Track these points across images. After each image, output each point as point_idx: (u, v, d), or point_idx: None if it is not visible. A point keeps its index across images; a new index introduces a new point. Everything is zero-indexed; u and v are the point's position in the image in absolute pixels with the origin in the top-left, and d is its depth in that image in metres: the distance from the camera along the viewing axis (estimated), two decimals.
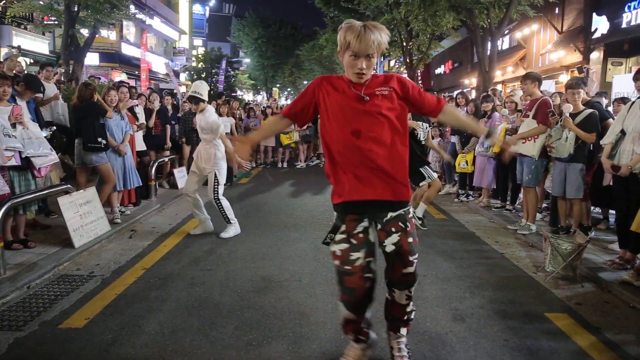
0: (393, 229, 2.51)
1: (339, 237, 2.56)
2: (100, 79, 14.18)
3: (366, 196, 2.46)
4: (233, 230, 5.58)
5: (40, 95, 6.27)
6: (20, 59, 7.47)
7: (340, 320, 2.76)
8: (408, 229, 2.53)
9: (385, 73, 2.64)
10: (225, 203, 5.55)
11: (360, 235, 2.53)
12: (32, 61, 16.90)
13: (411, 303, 2.71)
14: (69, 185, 5.10)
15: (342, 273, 2.56)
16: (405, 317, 2.74)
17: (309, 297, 3.88)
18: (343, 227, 2.54)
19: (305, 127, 12.55)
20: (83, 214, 5.03)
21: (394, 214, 2.51)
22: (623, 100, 5.72)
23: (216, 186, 5.49)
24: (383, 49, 2.38)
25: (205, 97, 5.52)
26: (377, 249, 2.62)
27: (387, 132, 2.43)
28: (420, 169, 5.67)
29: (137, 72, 24.82)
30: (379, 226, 2.55)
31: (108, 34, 24.79)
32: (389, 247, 2.53)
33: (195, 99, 5.43)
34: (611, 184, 4.91)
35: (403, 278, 2.57)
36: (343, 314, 2.69)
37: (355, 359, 2.75)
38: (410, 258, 2.54)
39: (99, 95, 5.65)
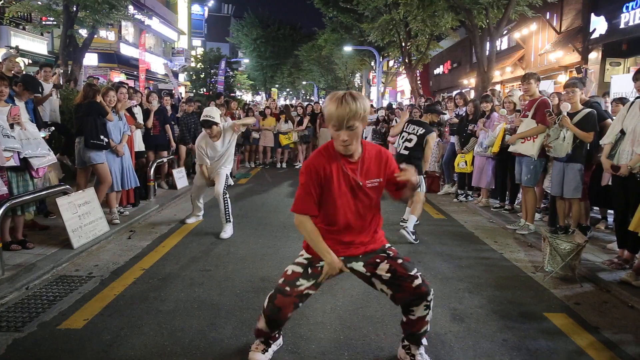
0: (377, 260, 2.65)
1: (300, 259, 2.70)
2: (99, 79, 14.14)
3: (343, 254, 2.64)
4: (230, 229, 5.65)
5: (39, 95, 6.26)
6: (18, 59, 7.43)
7: (255, 327, 2.83)
8: (391, 254, 2.66)
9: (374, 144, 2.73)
10: (228, 201, 5.71)
11: (319, 268, 2.65)
12: (30, 61, 16.86)
13: (430, 312, 2.73)
14: (67, 186, 5.09)
15: (278, 291, 2.62)
16: (424, 329, 2.76)
17: None
18: (308, 255, 2.68)
19: (304, 127, 12.57)
20: (82, 214, 5.03)
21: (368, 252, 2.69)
22: (621, 100, 5.73)
23: (227, 182, 5.74)
24: (363, 113, 2.35)
25: (219, 120, 5.56)
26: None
27: (370, 212, 2.63)
28: None
29: (136, 73, 24.78)
30: (362, 263, 2.67)
31: (107, 35, 24.74)
32: (385, 276, 2.62)
33: (208, 123, 5.42)
34: (610, 183, 4.92)
35: (416, 292, 2.60)
36: (260, 325, 2.76)
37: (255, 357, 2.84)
38: (411, 272, 2.61)
39: (102, 98, 5.65)
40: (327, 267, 2.59)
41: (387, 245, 2.74)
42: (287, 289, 2.60)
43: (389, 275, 2.61)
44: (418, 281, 2.59)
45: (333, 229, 2.60)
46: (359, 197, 2.55)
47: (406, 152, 5.76)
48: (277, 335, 2.93)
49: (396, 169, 2.58)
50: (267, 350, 2.86)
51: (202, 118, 5.52)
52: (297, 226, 2.61)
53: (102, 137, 5.50)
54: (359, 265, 2.68)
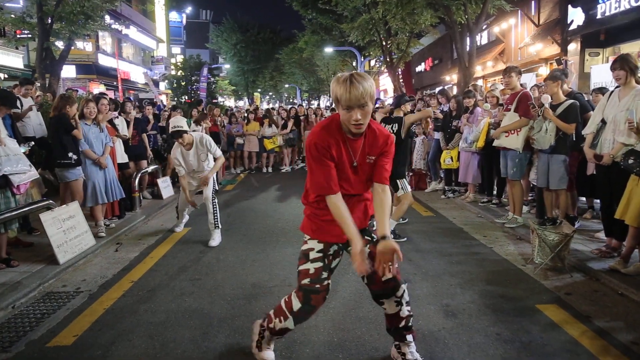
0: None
1: (313, 254, 2.63)
2: (77, 91, 13.94)
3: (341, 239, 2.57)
4: (218, 236, 5.60)
5: (18, 110, 6.15)
6: None
7: (275, 329, 2.76)
8: (374, 238, 2.59)
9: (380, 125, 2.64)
10: (217, 206, 5.71)
11: (331, 257, 2.65)
12: (6, 76, 16.57)
13: (405, 308, 2.71)
14: (50, 201, 5.00)
15: (311, 291, 2.59)
16: (403, 324, 2.75)
17: None
18: (320, 246, 2.63)
19: (289, 130, 12.53)
20: (66, 229, 4.94)
21: None
22: (601, 90, 5.80)
23: (215, 187, 5.78)
24: (374, 92, 2.36)
25: (187, 128, 5.48)
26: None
27: (365, 187, 2.63)
28: (398, 180, 5.40)
29: (115, 83, 24.58)
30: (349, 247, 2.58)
31: (84, 46, 24.49)
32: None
33: (178, 133, 5.33)
34: (594, 173, 4.97)
35: (384, 286, 2.60)
36: (285, 325, 2.71)
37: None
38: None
39: (73, 109, 5.46)
40: (354, 255, 2.48)
41: (373, 222, 2.68)
42: (318, 286, 2.57)
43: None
44: (389, 275, 2.48)
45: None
46: (358, 173, 2.54)
47: None
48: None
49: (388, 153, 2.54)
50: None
51: (170, 130, 5.45)
52: (330, 208, 2.46)
53: (70, 154, 5.33)
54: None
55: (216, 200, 5.67)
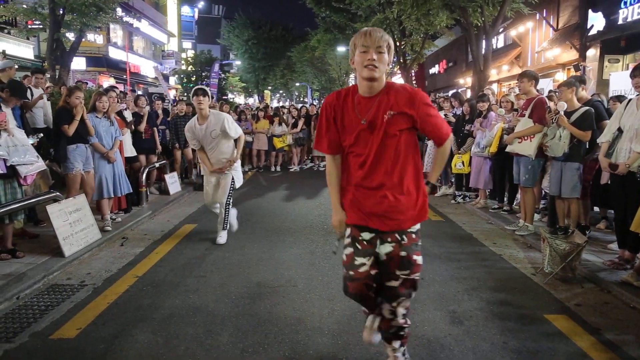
0: (389, 239, 2.47)
1: (346, 240, 2.56)
2: (87, 83, 13.97)
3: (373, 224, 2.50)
4: (225, 235, 5.49)
5: (28, 100, 6.16)
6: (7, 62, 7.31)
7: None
8: (404, 242, 2.45)
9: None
10: (232, 211, 5.53)
11: (365, 242, 2.49)
12: (17, 66, 16.62)
13: (400, 319, 2.61)
14: (57, 193, 5.00)
15: (346, 279, 2.52)
16: (393, 332, 2.66)
17: (304, 302, 3.82)
18: (348, 231, 2.54)
19: (299, 129, 12.50)
20: (73, 222, 4.94)
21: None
22: (619, 98, 5.71)
23: (231, 190, 5.42)
24: (392, 54, 2.38)
25: (210, 99, 5.23)
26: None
27: (394, 157, 2.46)
28: None
29: (125, 76, 24.67)
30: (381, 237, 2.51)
31: (95, 38, 24.59)
32: (382, 257, 2.49)
33: (204, 91, 5.10)
34: (609, 182, 4.88)
35: (387, 291, 2.53)
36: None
37: (370, 326, 2.73)
38: (397, 272, 2.46)
39: (73, 99, 5.36)
40: (333, 221, 2.53)
41: (415, 229, 2.51)
42: (352, 273, 2.49)
43: (384, 257, 2.48)
44: (394, 283, 2.47)
45: (357, 174, 2.46)
46: (373, 132, 2.38)
47: None
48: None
49: (423, 109, 2.37)
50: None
51: (196, 88, 5.18)
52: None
53: (51, 150, 5.25)
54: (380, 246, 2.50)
55: (230, 206, 5.47)
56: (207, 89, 5.14)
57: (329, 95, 2.52)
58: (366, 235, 2.49)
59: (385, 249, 2.47)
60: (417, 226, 2.54)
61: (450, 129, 2.51)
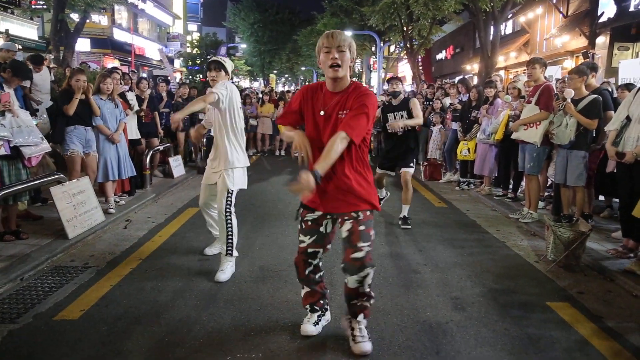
0: (346, 217, 2.74)
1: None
2: (89, 65, 13.89)
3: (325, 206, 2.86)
4: (230, 267, 4.05)
5: (29, 81, 6.14)
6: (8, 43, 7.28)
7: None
8: (360, 217, 2.71)
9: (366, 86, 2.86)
10: (234, 223, 4.06)
11: (309, 222, 2.84)
12: (20, 47, 16.54)
13: (365, 289, 2.77)
14: (61, 175, 5.00)
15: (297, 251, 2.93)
16: (359, 302, 2.83)
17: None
18: (301, 211, 2.90)
19: None
20: (76, 204, 4.95)
21: None
22: (627, 86, 5.63)
23: (229, 196, 4.03)
24: (354, 53, 2.65)
25: (229, 69, 4.09)
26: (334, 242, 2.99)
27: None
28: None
29: (129, 59, 24.54)
30: (340, 218, 2.81)
31: (99, 19, 24.40)
32: (344, 234, 2.75)
33: (218, 63, 4.01)
34: (614, 171, 4.83)
35: (351, 263, 2.68)
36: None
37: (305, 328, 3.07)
38: (359, 244, 2.66)
39: (74, 81, 5.33)
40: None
41: (365, 212, 2.74)
42: (298, 247, 2.89)
43: (346, 234, 2.72)
44: (359, 254, 2.65)
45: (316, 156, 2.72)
46: (328, 123, 2.69)
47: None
48: (322, 304, 3.10)
49: (355, 108, 2.61)
50: (317, 323, 3.08)
51: (211, 59, 4.16)
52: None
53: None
54: (329, 225, 2.87)
55: (232, 217, 4.05)
56: (223, 59, 4.13)
57: (303, 86, 2.83)
58: (309, 217, 2.87)
59: (346, 226, 2.74)
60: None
61: (360, 138, 2.62)
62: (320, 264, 2.98)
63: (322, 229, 2.84)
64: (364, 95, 2.62)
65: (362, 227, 2.69)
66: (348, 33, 25.83)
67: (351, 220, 2.70)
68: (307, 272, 2.91)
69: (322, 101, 2.71)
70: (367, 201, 2.73)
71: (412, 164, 5.64)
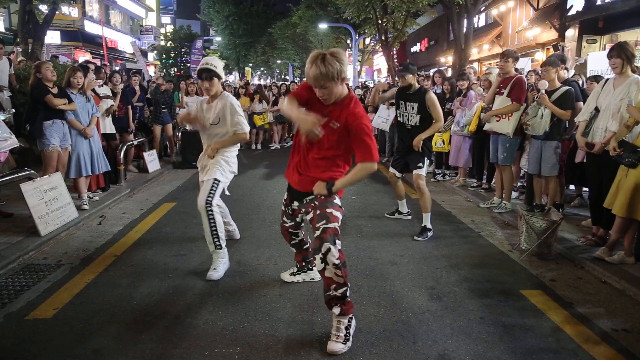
0: (308, 199, 3.02)
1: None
2: (57, 57, 13.49)
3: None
4: (223, 264, 3.97)
5: None
6: None
7: None
8: (317, 203, 2.92)
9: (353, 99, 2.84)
10: (218, 217, 3.93)
11: (289, 209, 3.25)
12: None
13: (331, 269, 2.75)
14: (32, 171, 4.88)
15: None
16: (331, 291, 2.82)
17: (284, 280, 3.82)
18: (285, 195, 3.27)
19: (280, 107, 12.37)
20: (48, 200, 4.84)
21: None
22: (596, 78, 5.76)
23: (213, 190, 3.93)
24: (343, 71, 2.67)
25: (222, 74, 4.04)
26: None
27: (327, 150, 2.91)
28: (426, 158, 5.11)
29: (102, 52, 24.02)
30: (305, 202, 3.05)
31: (69, 11, 23.76)
32: (308, 217, 3.01)
33: (209, 72, 3.91)
34: (584, 161, 4.95)
35: (313, 243, 2.84)
36: None
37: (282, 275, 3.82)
38: (317, 224, 2.81)
39: (43, 72, 5.21)
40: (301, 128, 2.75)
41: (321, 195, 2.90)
42: (281, 221, 3.42)
43: (309, 218, 2.98)
44: (316, 233, 2.80)
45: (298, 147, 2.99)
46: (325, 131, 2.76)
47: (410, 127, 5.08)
48: (304, 265, 3.70)
49: (356, 133, 2.75)
50: (294, 274, 3.75)
51: (200, 67, 3.98)
52: None
53: (26, 125, 5.11)
54: (296, 204, 3.15)
55: (214, 210, 3.89)
56: (211, 63, 3.96)
57: (307, 83, 2.88)
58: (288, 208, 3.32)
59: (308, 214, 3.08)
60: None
61: (376, 153, 2.78)
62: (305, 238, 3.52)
63: (297, 219, 3.30)
64: (355, 119, 2.74)
65: (318, 211, 2.88)
66: (323, 26, 25.93)
67: (311, 209, 2.96)
68: (292, 242, 3.49)
69: (319, 107, 2.82)
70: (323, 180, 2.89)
71: (421, 164, 5.04)
